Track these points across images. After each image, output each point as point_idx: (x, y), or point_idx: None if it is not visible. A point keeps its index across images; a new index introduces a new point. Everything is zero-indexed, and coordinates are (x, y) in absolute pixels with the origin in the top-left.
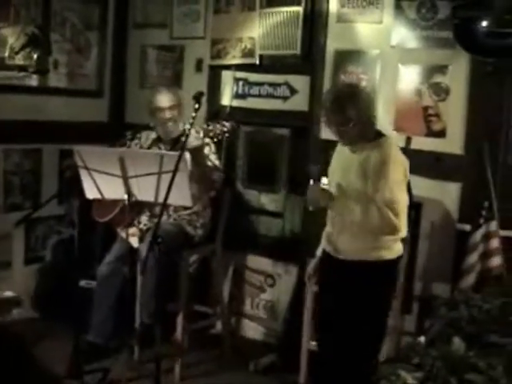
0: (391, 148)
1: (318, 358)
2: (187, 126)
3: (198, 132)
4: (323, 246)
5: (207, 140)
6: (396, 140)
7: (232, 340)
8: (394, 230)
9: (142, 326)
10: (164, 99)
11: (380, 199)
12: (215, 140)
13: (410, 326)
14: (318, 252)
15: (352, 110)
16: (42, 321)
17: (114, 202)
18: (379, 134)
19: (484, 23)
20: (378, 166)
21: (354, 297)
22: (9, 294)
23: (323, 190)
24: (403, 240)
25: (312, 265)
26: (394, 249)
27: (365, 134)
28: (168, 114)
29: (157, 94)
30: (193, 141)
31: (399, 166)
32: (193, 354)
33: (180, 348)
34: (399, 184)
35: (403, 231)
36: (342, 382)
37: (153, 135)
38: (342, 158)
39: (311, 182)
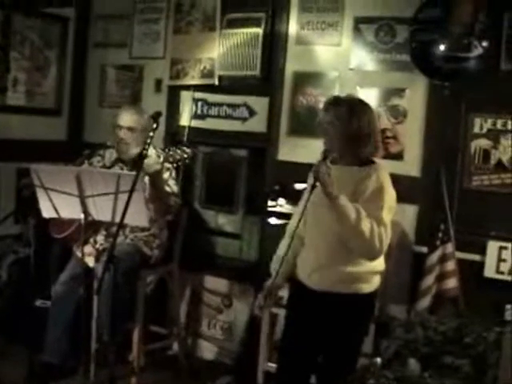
0: (386, 175)
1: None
2: (146, 147)
3: (158, 156)
4: (297, 274)
5: (168, 165)
6: None
7: (188, 361)
8: (375, 252)
9: (97, 345)
10: (126, 119)
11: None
12: (175, 165)
13: (367, 347)
14: (274, 267)
15: (364, 117)
16: None
17: (72, 219)
18: (371, 161)
19: (441, 47)
20: (376, 192)
21: (329, 330)
22: None
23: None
24: (381, 273)
25: (268, 284)
26: (372, 282)
27: (359, 148)
28: (122, 134)
29: (122, 111)
30: (153, 164)
31: (393, 194)
32: (149, 374)
33: (136, 368)
34: (389, 213)
35: (381, 261)
36: None
37: (115, 154)
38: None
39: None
